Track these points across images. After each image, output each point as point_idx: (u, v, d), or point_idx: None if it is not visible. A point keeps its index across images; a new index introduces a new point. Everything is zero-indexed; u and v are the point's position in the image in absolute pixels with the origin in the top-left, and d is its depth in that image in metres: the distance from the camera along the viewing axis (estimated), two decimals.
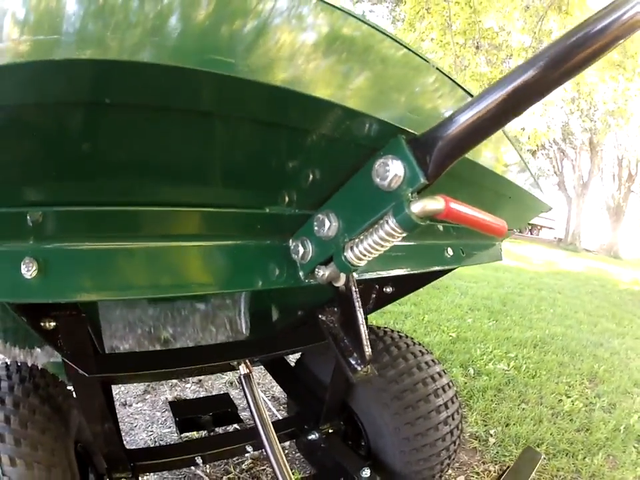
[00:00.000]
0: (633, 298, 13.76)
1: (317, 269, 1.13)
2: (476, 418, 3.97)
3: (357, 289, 1.25)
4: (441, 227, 1.57)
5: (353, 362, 1.29)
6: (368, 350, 1.27)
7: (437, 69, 1.68)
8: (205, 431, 2.47)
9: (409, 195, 0.93)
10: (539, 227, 49.95)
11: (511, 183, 1.57)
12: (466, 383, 4.63)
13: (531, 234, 47.17)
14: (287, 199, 1.06)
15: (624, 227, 41.43)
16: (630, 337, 8.13)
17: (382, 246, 1.00)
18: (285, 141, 0.94)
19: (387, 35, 1.38)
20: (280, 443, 1.86)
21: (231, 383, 4.07)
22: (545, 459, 3.55)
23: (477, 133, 0.88)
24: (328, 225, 1.06)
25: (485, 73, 11.25)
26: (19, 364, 1.75)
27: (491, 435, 3.78)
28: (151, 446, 3.15)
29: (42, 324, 1.36)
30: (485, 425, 3.90)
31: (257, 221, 1.08)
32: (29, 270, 0.86)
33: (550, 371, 5.38)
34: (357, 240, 1.04)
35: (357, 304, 1.26)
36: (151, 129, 0.81)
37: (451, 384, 2.26)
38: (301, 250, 1.13)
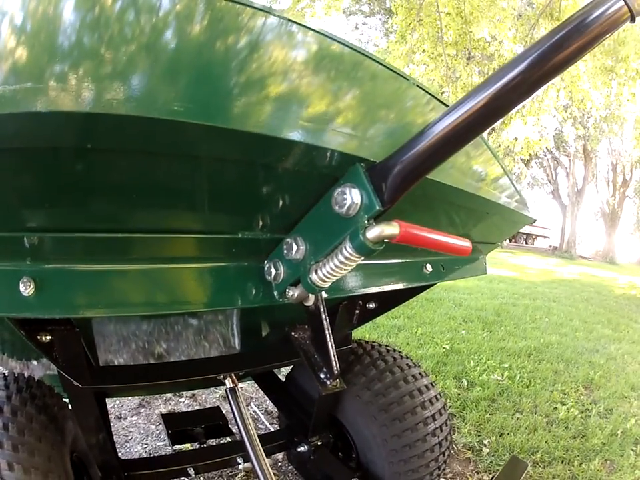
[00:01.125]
0: (630, 303, 13.78)
1: (287, 289, 1.19)
2: (469, 429, 3.97)
3: (325, 308, 1.31)
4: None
5: (323, 376, 1.36)
6: (336, 366, 1.32)
7: (418, 85, 1.72)
8: (197, 443, 2.51)
9: (365, 221, 0.98)
10: (533, 237, 49.97)
11: (486, 200, 1.62)
12: (459, 395, 4.63)
13: (526, 243, 47.20)
14: (260, 224, 1.12)
15: (620, 232, 41.50)
16: (626, 341, 8.14)
17: (342, 269, 1.06)
18: (254, 176, 1.00)
19: (363, 54, 1.42)
20: (271, 455, 1.90)
21: (224, 397, 4.06)
22: (540, 466, 3.56)
23: (430, 159, 0.93)
24: (295, 248, 1.13)
25: (476, 84, 11.27)
26: (16, 375, 1.80)
27: (485, 445, 3.78)
28: (144, 457, 3.18)
29: (38, 337, 1.41)
30: (479, 435, 3.90)
31: (234, 244, 1.14)
32: (26, 288, 0.93)
33: (544, 380, 5.37)
34: (320, 263, 1.09)
35: (325, 323, 1.32)
36: (131, 169, 0.89)
37: (438, 396, 2.28)
38: (274, 271, 1.19)
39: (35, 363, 2.07)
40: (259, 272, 1.20)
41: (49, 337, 1.43)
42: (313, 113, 1.07)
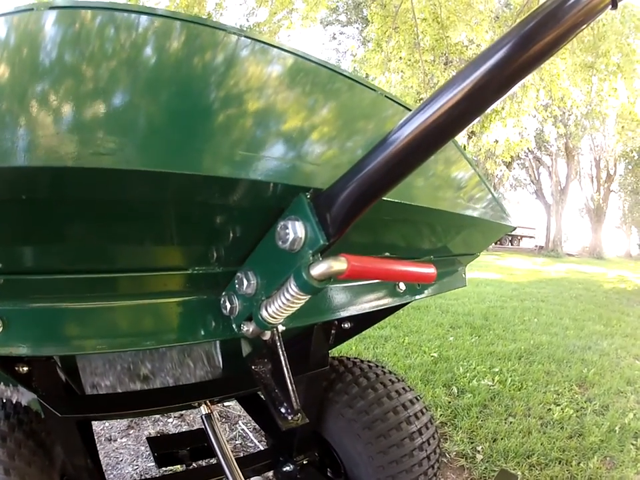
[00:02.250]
0: (620, 296, 13.88)
1: (242, 324, 1.15)
2: (461, 436, 3.95)
3: (282, 342, 1.27)
4: None
5: (284, 411, 1.31)
6: (296, 400, 1.29)
7: (386, 96, 1.69)
8: (184, 465, 2.50)
9: (310, 257, 0.92)
10: (519, 237, 50.35)
11: (458, 215, 1.61)
12: (450, 402, 4.60)
13: (512, 245, 47.55)
14: (213, 258, 1.10)
15: (606, 227, 41.91)
16: (619, 335, 8.17)
17: (291, 307, 1.01)
18: (199, 213, 0.99)
19: (320, 64, 1.40)
20: (258, 474, 1.90)
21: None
22: (537, 469, 3.56)
23: (377, 184, 0.87)
24: (246, 283, 1.09)
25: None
26: (4, 401, 1.83)
27: (478, 452, 3.76)
28: (133, 477, 3.20)
29: (16, 368, 1.43)
30: (472, 442, 3.88)
31: (190, 279, 1.12)
32: None
33: (536, 382, 5.35)
34: (271, 299, 1.04)
35: (282, 358, 1.28)
36: (82, 217, 0.91)
37: (424, 410, 2.27)
38: (229, 305, 1.16)
39: (20, 388, 2.06)
40: (217, 305, 1.18)
41: (26, 368, 1.44)
42: (254, 143, 1.04)
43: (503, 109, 11.22)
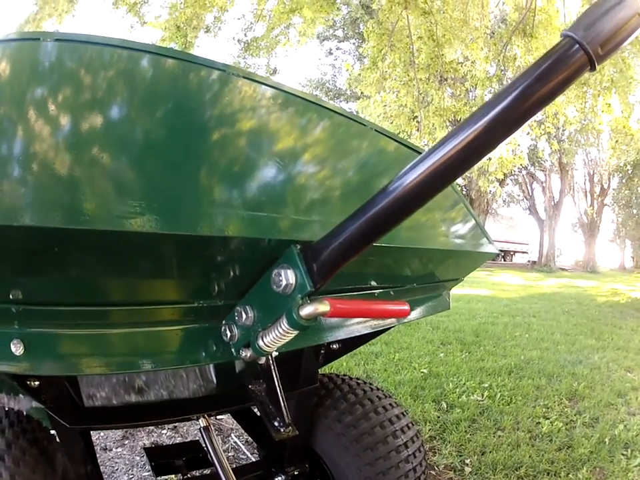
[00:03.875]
0: (613, 310, 13.80)
1: (241, 350, 1.30)
2: (450, 450, 3.99)
3: (275, 365, 1.42)
4: (376, 292, 1.73)
5: (277, 424, 1.46)
6: (287, 415, 1.44)
7: (377, 130, 1.81)
8: (180, 475, 2.59)
9: (299, 300, 1.08)
10: (512, 253, 50.31)
11: (439, 250, 1.78)
12: (439, 417, 4.62)
13: (504, 260, 47.48)
14: (215, 293, 1.24)
15: (599, 241, 41.96)
16: (611, 349, 8.15)
17: (283, 339, 1.16)
18: (209, 261, 1.15)
19: (317, 104, 1.53)
20: None
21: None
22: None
23: (356, 244, 1.03)
24: (245, 316, 1.24)
25: (448, 107, 11.38)
26: (7, 410, 1.88)
27: (467, 465, 3.80)
28: None
29: (28, 382, 1.53)
30: (460, 455, 3.92)
31: (196, 311, 1.27)
32: (17, 349, 1.05)
33: (526, 396, 5.36)
34: (267, 331, 1.20)
35: (276, 379, 1.44)
36: (103, 265, 1.07)
37: (410, 424, 2.35)
38: (229, 333, 1.30)
39: (21, 396, 2.16)
40: (219, 332, 1.31)
41: (37, 383, 1.54)
42: (253, 202, 1.19)
43: None
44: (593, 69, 0.77)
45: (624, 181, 39.04)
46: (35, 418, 1.93)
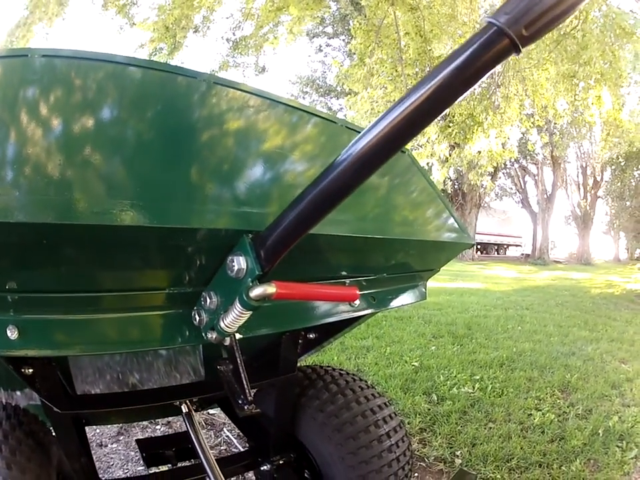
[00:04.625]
0: (607, 302, 13.89)
1: (208, 332, 1.40)
2: (440, 441, 4.01)
3: (238, 346, 1.52)
4: (347, 282, 1.81)
5: (240, 402, 1.55)
6: (249, 393, 1.54)
7: (347, 127, 1.86)
8: (170, 465, 2.65)
9: (250, 283, 1.19)
10: (505, 246, 50.54)
11: (409, 241, 1.85)
12: (429, 410, 4.64)
13: (498, 254, 47.73)
14: (185, 280, 1.36)
15: (593, 233, 42.13)
16: (605, 340, 8.19)
17: (240, 319, 1.27)
18: (177, 250, 1.27)
19: (284, 104, 1.60)
20: (238, 474, 2.28)
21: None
22: (516, 472, 3.61)
23: (295, 229, 1.12)
24: (209, 300, 1.35)
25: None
26: (4, 403, 1.97)
27: (457, 456, 3.82)
28: (123, 477, 3.39)
29: (22, 370, 1.65)
30: (451, 447, 3.94)
31: (169, 297, 1.38)
32: (12, 334, 1.16)
33: (518, 388, 5.38)
34: (226, 313, 1.29)
35: (239, 359, 1.54)
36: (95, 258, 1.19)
37: (393, 415, 2.39)
38: (197, 318, 1.40)
39: (18, 393, 2.28)
40: (190, 317, 1.42)
41: (30, 370, 1.66)
42: (213, 197, 1.34)
43: (485, 119, 11.32)
44: (518, 52, 0.77)
45: (617, 173, 39.15)
46: (31, 412, 2.01)
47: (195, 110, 1.48)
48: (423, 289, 2.23)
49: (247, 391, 1.55)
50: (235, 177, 1.43)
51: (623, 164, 36.53)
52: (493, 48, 0.78)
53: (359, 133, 1.62)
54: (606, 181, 40.90)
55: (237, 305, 1.23)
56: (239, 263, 1.22)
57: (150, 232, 1.15)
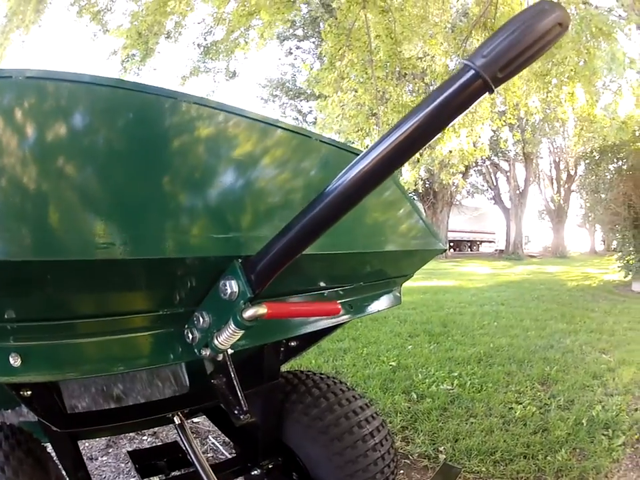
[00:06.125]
0: (584, 293, 13.90)
1: (201, 350, 1.46)
2: (423, 438, 4.05)
3: (231, 361, 1.62)
4: (325, 292, 1.89)
5: (236, 412, 1.66)
6: (244, 404, 1.65)
7: (321, 141, 1.94)
8: (163, 475, 2.69)
9: (242, 305, 1.27)
10: (478, 243, 50.79)
11: (382, 253, 1.96)
12: (409, 408, 4.68)
13: (471, 250, 47.94)
14: (177, 302, 1.42)
15: (568, 226, 42.50)
16: (583, 332, 8.22)
17: (233, 337, 1.35)
18: (171, 275, 1.32)
19: (261, 121, 1.66)
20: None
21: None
22: (501, 465, 3.65)
23: (285, 256, 1.19)
24: (202, 320, 1.41)
25: (406, 102, 11.43)
26: (0, 423, 1.96)
27: (441, 452, 3.87)
28: None
29: (21, 392, 1.71)
30: (434, 444, 3.98)
31: (163, 317, 1.43)
32: (15, 361, 1.19)
33: (497, 383, 5.41)
34: (219, 332, 1.37)
35: (232, 373, 1.64)
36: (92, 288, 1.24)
37: (375, 415, 2.48)
38: (190, 336, 1.46)
39: (9, 411, 2.33)
40: (182, 336, 1.48)
41: (29, 392, 1.72)
42: (202, 225, 1.39)
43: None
44: (491, 92, 0.83)
45: (591, 167, 39.51)
46: (26, 430, 2.03)
47: (178, 136, 1.49)
48: (398, 294, 2.32)
49: (242, 401, 1.65)
50: (221, 202, 1.48)
51: (597, 158, 36.92)
52: (467, 89, 0.84)
53: (334, 147, 1.72)
54: (580, 175, 41.34)
55: (231, 325, 1.30)
56: (231, 286, 1.29)
57: (141, 264, 1.20)
